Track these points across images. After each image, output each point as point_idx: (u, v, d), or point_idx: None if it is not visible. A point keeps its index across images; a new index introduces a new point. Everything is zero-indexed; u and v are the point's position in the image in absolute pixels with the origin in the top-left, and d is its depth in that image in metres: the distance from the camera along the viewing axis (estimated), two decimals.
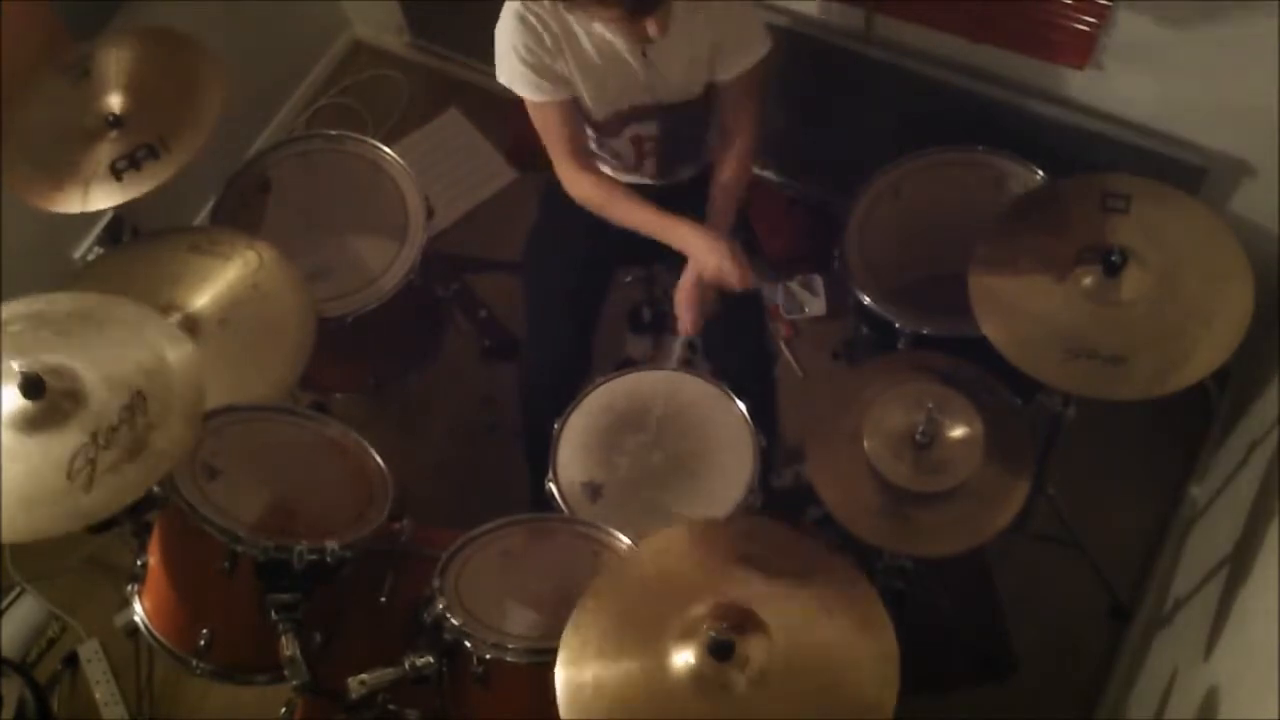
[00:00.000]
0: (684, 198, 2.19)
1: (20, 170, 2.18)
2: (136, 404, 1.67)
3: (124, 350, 1.74)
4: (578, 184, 2.14)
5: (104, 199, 2.15)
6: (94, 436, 1.64)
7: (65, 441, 1.64)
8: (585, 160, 2.15)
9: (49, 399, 1.65)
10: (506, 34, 1.99)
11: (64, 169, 2.16)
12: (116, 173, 2.15)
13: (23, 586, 2.68)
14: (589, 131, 2.18)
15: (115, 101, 2.22)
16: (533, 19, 1.96)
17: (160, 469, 1.66)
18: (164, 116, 2.20)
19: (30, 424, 1.65)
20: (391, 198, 2.40)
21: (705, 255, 2.01)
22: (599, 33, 1.96)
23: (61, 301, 1.81)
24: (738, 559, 1.65)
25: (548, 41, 1.97)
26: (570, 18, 1.95)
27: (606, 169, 2.25)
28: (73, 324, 1.76)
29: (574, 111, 2.08)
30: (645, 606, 1.59)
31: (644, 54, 1.99)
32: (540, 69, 2.00)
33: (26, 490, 1.61)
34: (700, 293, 2.06)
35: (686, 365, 2.15)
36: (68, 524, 1.61)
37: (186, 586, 1.88)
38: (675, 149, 2.22)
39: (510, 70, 2.02)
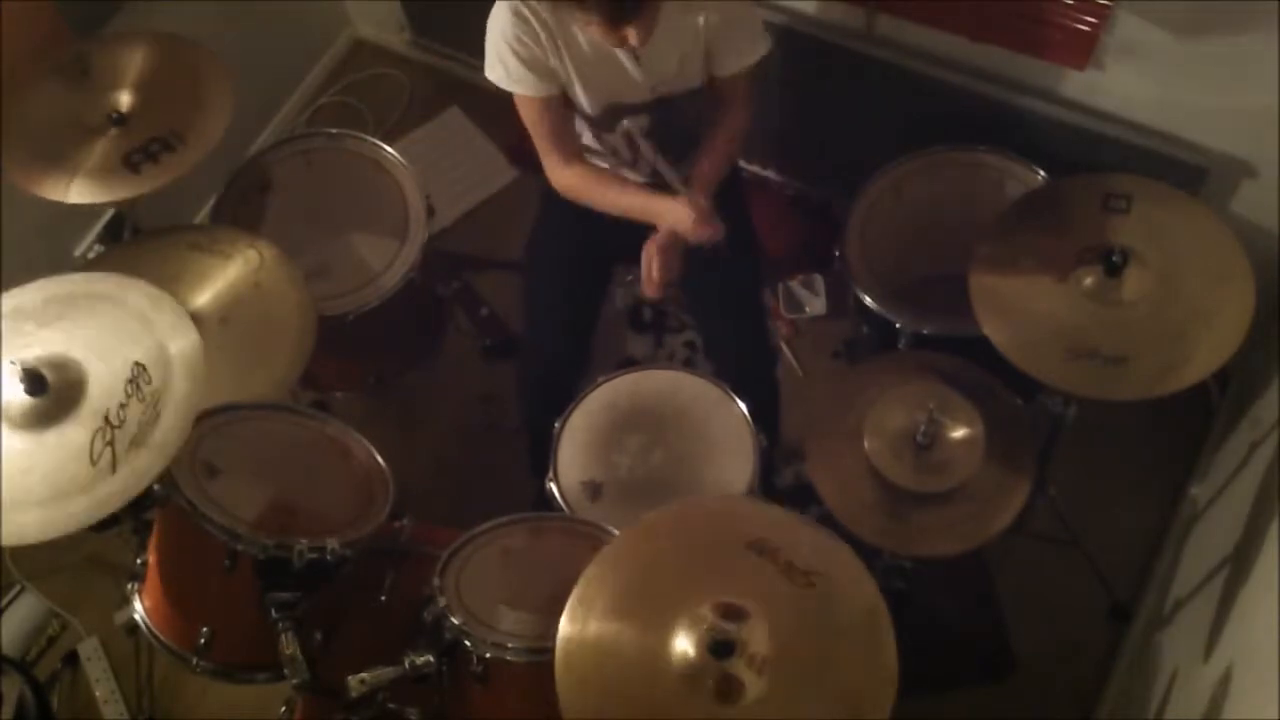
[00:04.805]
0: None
1: (21, 161, 2.17)
2: (138, 374, 1.66)
3: (108, 323, 1.73)
4: (562, 176, 2.14)
5: (120, 191, 2.15)
6: (106, 418, 1.63)
7: (80, 429, 1.63)
8: (570, 152, 2.14)
9: (53, 391, 1.65)
10: (500, 27, 1.98)
11: (67, 163, 2.16)
12: (133, 165, 2.16)
13: (23, 584, 2.68)
14: (585, 127, 2.18)
15: (121, 99, 2.22)
16: (528, 12, 1.95)
17: (180, 431, 1.64)
18: (173, 113, 2.21)
19: (41, 420, 1.64)
20: (392, 196, 2.40)
21: (681, 218, 2.00)
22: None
23: (34, 291, 1.79)
24: (744, 546, 1.62)
25: (542, 36, 1.96)
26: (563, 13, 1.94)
27: (604, 166, 2.24)
28: (51, 311, 1.75)
29: (561, 106, 2.08)
30: (648, 588, 1.57)
31: (634, 55, 1.99)
32: (532, 63, 1.99)
33: (53, 486, 1.60)
34: (665, 257, 2.03)
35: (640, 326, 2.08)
36: (100, 510, 1.59)
37: (186, 584, 1.88)
38: (667, 141, 2.21)
39: (502, 65, 2.01)
